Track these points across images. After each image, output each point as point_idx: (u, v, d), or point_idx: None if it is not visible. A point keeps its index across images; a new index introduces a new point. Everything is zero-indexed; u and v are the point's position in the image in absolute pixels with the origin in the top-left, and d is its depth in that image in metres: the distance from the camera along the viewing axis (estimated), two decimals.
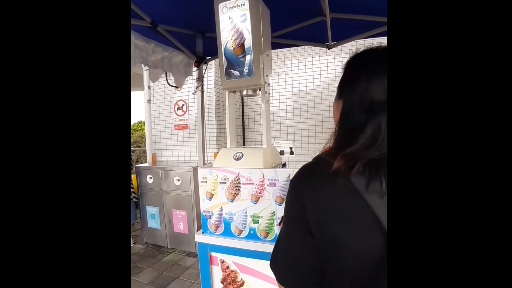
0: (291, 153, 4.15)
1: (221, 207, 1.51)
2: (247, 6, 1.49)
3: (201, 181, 1.54)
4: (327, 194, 0.61)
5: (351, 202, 0.58)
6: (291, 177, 1.40)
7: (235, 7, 1.52)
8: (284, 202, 0.71)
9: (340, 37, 2.28)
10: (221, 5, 1.55)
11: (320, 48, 3.76)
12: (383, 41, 3.32)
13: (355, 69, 0.69)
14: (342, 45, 2.41)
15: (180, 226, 3.59)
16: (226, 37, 1.56)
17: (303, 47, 3.87)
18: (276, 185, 1.38)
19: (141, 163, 6.60)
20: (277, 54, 4.08)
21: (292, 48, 3.95)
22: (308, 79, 4.01)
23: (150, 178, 3.73)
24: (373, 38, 2.13)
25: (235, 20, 1.54)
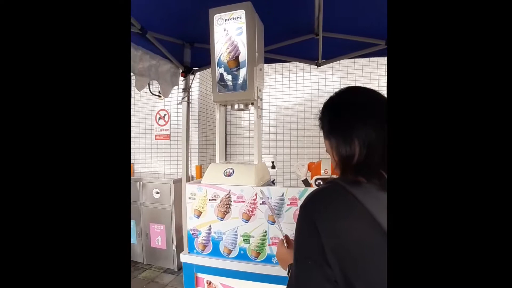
0: (273, 167, 4.13)
1: (210, 226, 1.44)
2: (243, 19, 1.47)
3: (189, 198, 1.46)
4: (347, 222, 0.59)
5: (368, 227, 0.57)
6: (284, 196, 1.38)
7: (231, 19, 1.49)
8: (295, 230, 0.67)
9: (330, 55, 2.31)
10: (216, 17, 1.52)
11: (304, 64, 3.86)
12: (371, 60, 3.40)
13: (334, 114, 0.75)
14: (327, 64, 2.44)
15: (158, 241, 3.43)
16: (220, 49, 1.52)
17: (287, 63, 3.91)
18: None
19: None
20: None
21: (276, 63, 3.98)
22: (291, 94, 4.03)
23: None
24: (362, 59, 2.16)
25: (230, 33, 1.50)
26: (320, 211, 0.63)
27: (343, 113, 0.72)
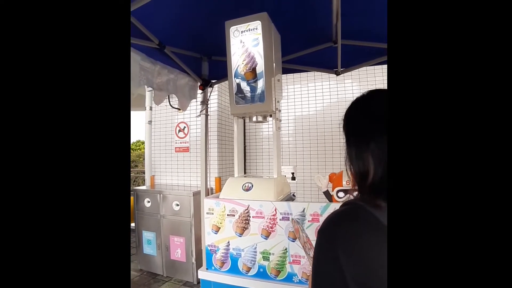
0: (293, 178, 4.05)
1: (228, 242, 1.40)
2: (260, 30, 1.45)
3: (207, 213, 1.43)
4: (371, 247, 0.53)
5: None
6: (306, 211, 1.32)
7: (247, 31, 1.48)
8: (313, 257, 0.61)
9: (349, 63, 2.25)
10: (232, 29, 1.51)
11: (322, 73, 3.81)
12: None
13: (349, 125, 0.69)
14: (346, 73, 2.37)
15: (178, 253, 3.42)
16: (237, 61, 1.51)
17: (305, 72, 3.87)
18: (289, 220, 1.28)
19: (138, 184, 6.44)
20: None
21: (295, 73, 3.94)
22: (310, 104, 3.97)
23: (148, 201, 3.59)
24: (382, 65, 2.09)
25: (246, 44, 1.49)
26: (340, 236, 0.57)
27: (357, 124, 0.65)
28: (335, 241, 0.56)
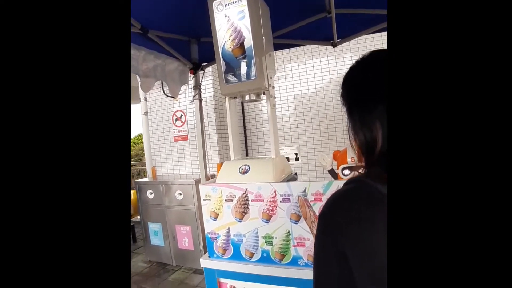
0: (297, 159, 3.98)
1: (228, 228, 1.34)
2: (244, 1, 1.34)
3: (204, 200, 1.37)
4: (381, 235, 0.44)
5: None
6: (307, 191, 1.24)
7: (231, 3, 1.37)
8: (314, 245, 0.53)
9: (346, 33, 2.12)
10: (215, 3, 1.40)
11: (320, 48, 3.66)
12: None
13: (352, 89, 0.62)
14: (343, 44, 2.24)
15: (185, 242, 3.41)
16: (223, 38, 1.40)
17: (302, 48, 3.73)
18: (290, 201, 1.21)
19: (143, 177, 6.43)
20: (276, 58, 3.93)
21: (291, 50, 3.81)
22: (309, 82, 3.85)
23: (151, 193, 3.56)
24: (382, 33, 1.97)
25: (232, 18, 1.38)
26: (344, 221, 0.48)
27: (361, 88, 0.57)
28: (339, 234, 0.48)
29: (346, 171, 2.46)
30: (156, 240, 3.63)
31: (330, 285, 0.49)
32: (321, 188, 1.18)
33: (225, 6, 1.38)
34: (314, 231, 0.88)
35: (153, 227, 3.62)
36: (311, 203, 1.19)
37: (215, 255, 1.39)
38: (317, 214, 1.18)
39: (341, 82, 0.63)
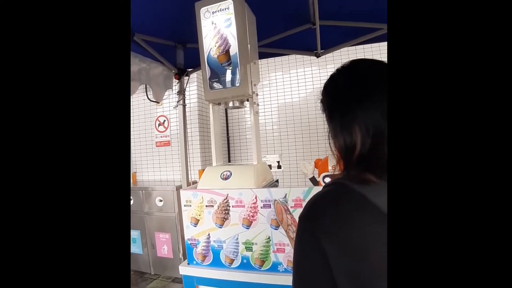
0: (279, 167, 4.01)
1: (209, 234, 1.33)
2: (231, 10, 1.36)
3: (185, 205, 1.36)
4: (360, 233, 0.47)
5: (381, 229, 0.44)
6: (288, 197, 1.26)
7: (218, 11, 1.39)
8: (294, 247, 0.54)
9: (329, 44, 2.18)
10: (203, 10, 1.42)
11: (304, 58, 3.73)
12: (374, 46, 3.26)
13: (332, 95, 0.63)
14: (327, 55, 2.30)
15: (164, 250, 3.34)
16: (209, 44, 1.42)
17: (287, 58, 3.79)
18: (271, 207, 1.22)
19: None
20: (261, 66, 3.98)
21: (276, 59, 3.87)
22: (293, 91, 3.91)
23: (130, 199, 3.48)
24: (364, 45, 2.04)
25: (218, 25, 1.40)
26: (323, 223, 0.50)
27: (341, 94, 0.59)
28: (317, 231, 0.49)
29: (327, 179, 2.50)
30: (135, 247, 3.53)
31: (309, 285, 0.50)
32: (301, 194, 1.20)
33: (212, 14, 1.40)
34: (291, 234, 0.89)
35: (132, 234, 3.53)
36: (291, 209, 1.20)
37: (194, 262, 1.38)
38: (295, 218, 1.20)
39: (322, 88, 0.65)
